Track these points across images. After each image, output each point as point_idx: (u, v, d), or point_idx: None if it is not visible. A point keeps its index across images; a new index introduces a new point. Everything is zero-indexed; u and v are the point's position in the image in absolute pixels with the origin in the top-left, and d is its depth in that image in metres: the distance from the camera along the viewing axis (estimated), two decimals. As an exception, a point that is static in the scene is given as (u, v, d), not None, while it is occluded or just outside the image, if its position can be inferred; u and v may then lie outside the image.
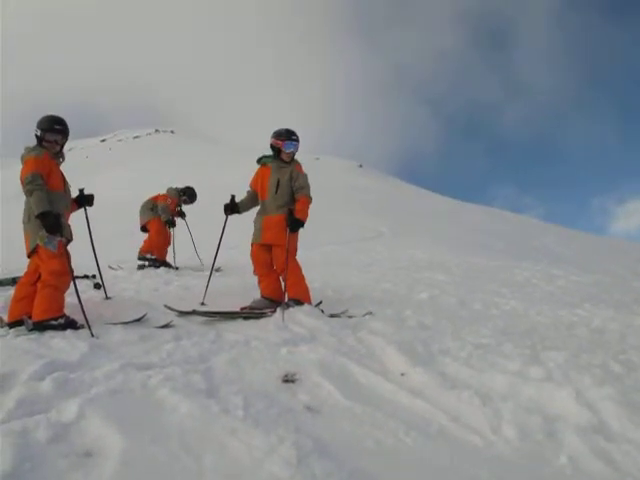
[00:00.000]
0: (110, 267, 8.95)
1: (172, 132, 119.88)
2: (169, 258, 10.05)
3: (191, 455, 2.46)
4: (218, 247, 6.50)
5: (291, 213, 5.63)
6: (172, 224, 10.19)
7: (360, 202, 31.71)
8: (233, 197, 6.19)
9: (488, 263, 12.42)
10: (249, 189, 6.17)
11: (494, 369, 3.74)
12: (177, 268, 9.54)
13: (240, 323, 5.11)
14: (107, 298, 6.02)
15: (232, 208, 6.14)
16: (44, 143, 4.80)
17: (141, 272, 8.69)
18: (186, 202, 10.70)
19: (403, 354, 3.95)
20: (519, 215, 43.67)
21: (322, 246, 14.14)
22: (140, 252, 9.81)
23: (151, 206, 10.19)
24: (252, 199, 6.13)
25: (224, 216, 6.24)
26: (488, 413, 3.01)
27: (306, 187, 5.79)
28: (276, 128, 5.95)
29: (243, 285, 6.87)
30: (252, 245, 5.96)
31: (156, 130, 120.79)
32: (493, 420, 2.94)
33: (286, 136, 5.82)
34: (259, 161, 6.07)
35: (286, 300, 5.49)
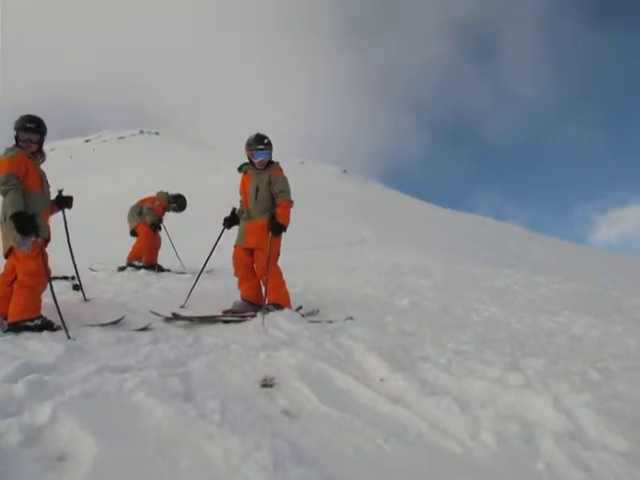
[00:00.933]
0: (90, 269, 8.84)
1: (157, 133, 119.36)
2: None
3: (166, 460, 2.42)
4: (210, 254, 6.42)
5: (273, 218, 5.59)
6: (157, 227, 10.03)
7: (344, 207, 31.78)
8: (234, 210, 6.16)
9: (470, 270, 12.46)
10: (241, 198, 6.10)
11: (473, 376, 3.75)
12: (165, 270, 9.44)
13: (220, 327, 5.07)
14: (85, 300, 5.94)
15: (231, 221, 6.11)
16: (20, 143, 4.75)
17: (121, 274, 8.58)
18: (175, 210, 10.49)
19: (383, 360, 3.94)
20: (502, 222, 44.03)
21: (305, 250, 14.11)
22: (128, 258, 9.60)
23: (139, 210, 10.01)
24: None
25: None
26: (467, 419, 3.01)
27: (286, 191, 5.74)
28: (249, 134, 5.86)
29: (224, 289, 6.82)
30: (235, 247, 5.94)
31: (141, 131, 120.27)
32: (471, 426, 2.93)
33: (254, 146, 5.76)
34: (240, 169, 6.04)
35: (266, 304, 5.46)
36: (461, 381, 3.64)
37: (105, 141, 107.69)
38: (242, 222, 5.94)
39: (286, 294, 5.67)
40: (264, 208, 5.72)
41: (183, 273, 9.03)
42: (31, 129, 4.78)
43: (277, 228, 5.56)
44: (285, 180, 5.82)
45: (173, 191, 10.76)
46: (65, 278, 7.25)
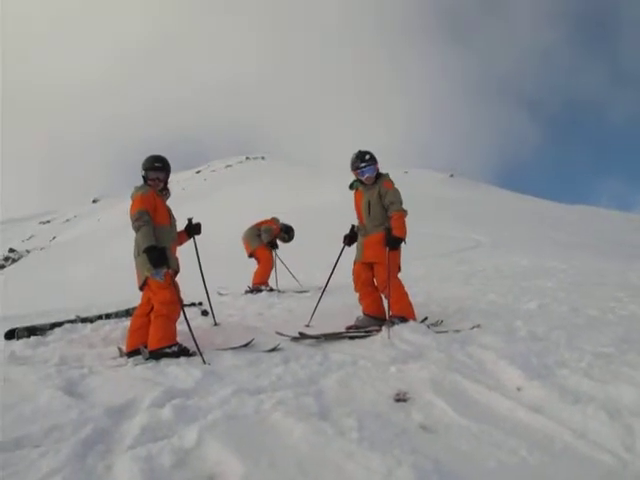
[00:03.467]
0: (218, 293, 9.24)
1: (263, 158, 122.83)
2: (272, 281, 10.24)
3: (309, 479, 2.44)
4: (332, 271, 6.47)
5: (389, 232, 5.56)
6: (274, 246, 10.59)
7: (453, 212, 31.09)
8: (353, 227, 6.23)
9: (597, 266, 11.79)
10: (356, 214, 6.16)
11: (620, 380, 3.49)
12: (279, 291, 9.72)
13: (346, 343, 5.11)
14: (215, 324, 6.20)
15: (351, 238, 6.18)
16: (149, 182, 5.11)
17: (245, 297, 8.90)
18: (284, 239, 11.02)
19: (517, 368, 3.78)
20: (626, 213, 41.34)
21: (419, 260, 13.94)
22: (254, 284, 10.02)
23: (258, 233, 10.53)
24: None
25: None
26: (619, 429, 2.80)
27: (397, 202, 5.72)
28: (353, 152, 5.94)
29: (345, 305, 6.88)
30: (354, 264, 5.99)
31: (247, 158, 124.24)
32: (625, 437, 2.72)
33: (358, 164, 5.85)
34: (351, 187, 6.12)
35: (390, 317, 5.43)
36: (606, 387, 3.40)
37: (214, 171, 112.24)
38: (360, 238, 5.99)
39: (410, 306, 5.62)
40: (379, 222, 5.74)
41: (304, 292, 9.22)
42: (159, 168, 5.14)
43: (394, 242, 5.53)
44: (396, 191, 5.81)
45: (284, 219, 11.24)
46: (193, 304, 7.61)
